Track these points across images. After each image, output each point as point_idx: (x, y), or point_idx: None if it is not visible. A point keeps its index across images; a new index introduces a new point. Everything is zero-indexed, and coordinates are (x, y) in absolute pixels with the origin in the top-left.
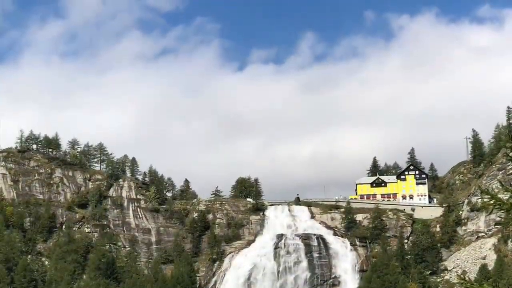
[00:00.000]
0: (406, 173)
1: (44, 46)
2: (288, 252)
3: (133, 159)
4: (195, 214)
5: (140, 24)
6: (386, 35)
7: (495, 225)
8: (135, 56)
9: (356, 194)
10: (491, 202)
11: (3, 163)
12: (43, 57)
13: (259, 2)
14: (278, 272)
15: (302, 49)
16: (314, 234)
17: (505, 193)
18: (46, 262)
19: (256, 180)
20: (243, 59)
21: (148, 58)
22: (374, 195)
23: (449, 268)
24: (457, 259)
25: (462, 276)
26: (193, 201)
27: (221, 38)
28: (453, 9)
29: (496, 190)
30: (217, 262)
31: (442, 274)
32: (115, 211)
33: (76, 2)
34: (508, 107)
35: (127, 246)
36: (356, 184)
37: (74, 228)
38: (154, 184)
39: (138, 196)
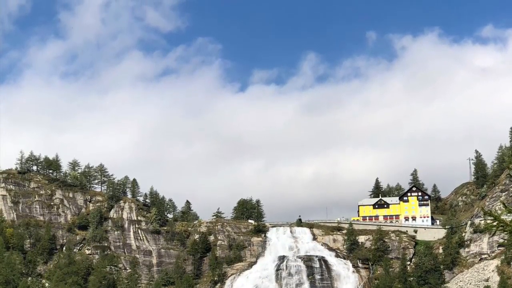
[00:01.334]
0: (409, 194)
1: (44, 66)
2: (290, 274)
3: (134, 180)
4: (196, 236)
5: (140, 45)
6: (389, 56)
7: (498, 246)
8: (135, 77)
9: (359, 216)
10: (494, 223)
11: (3, 185)
12: (44, 77)
13: (260, 22)
14: None
15: (304, 70)
16: (316, 256)
17: (509, 214)
18: (47, 284)
19: (257, 201)
20: (244, 79)
21: (149, 78)
22: (377, 217)
23: None
24: (460, 281)
25: None
26: (194, 222)
27: (223, 59)
28: (456, 30)
29: (499, 212)
30: (219, 284)
31: None
32: (115, 232)
33: (76, 23)
34: (511, 128)
35: (128, 268)
36: (359, 206)
37: (75, 250)
38: (155, 205)
39: (139, 218)
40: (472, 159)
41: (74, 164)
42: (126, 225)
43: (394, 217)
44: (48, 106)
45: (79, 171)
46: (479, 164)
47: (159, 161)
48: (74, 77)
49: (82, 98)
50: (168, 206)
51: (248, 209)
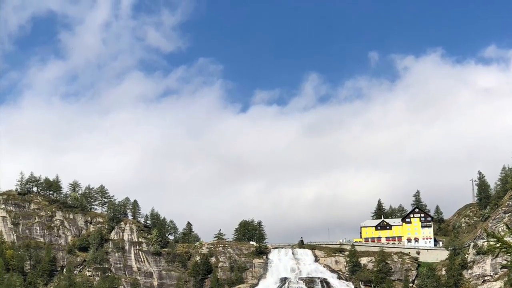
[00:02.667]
0: (411, 215)
1: (44, 87)
2: None
3: (135, 201)
4: (198, 257)
5: (141, 65)
6: (391, 76)
7: (501, 268)
8: (136, 97)
9: (361, 237)
10: (498, 245)
11: (3, 206)
12: (44, 98)
13: (262, 42)
14: None
15: (306, 90)
16: (318, 278)
17: None
18: None
19: (259, 223)
20: (246, 100)
21: (150, 99)
22: (379, 238)
23: None
24: None
25: None
26: (196, 244)
27: (224, 79)
28: (459, 50)
29: (502, 233)
30: None
31: None
32: (116, 254)
33: (76, 43)
34: None
35: None
36: (361, 227)
37: (75, 272)
38: (156, 227)
39: (140, 239)
40: (475, 180)
41: (74, 185)
42: (127, 247)
43: (396, 238)
44: (48, 127)
45: (80, 192)
46: (482, 185)
47: (160, 182)
48: (74, 98)
49: (83, 118)
50: (169, 227)
51: (249, 231)
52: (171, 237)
